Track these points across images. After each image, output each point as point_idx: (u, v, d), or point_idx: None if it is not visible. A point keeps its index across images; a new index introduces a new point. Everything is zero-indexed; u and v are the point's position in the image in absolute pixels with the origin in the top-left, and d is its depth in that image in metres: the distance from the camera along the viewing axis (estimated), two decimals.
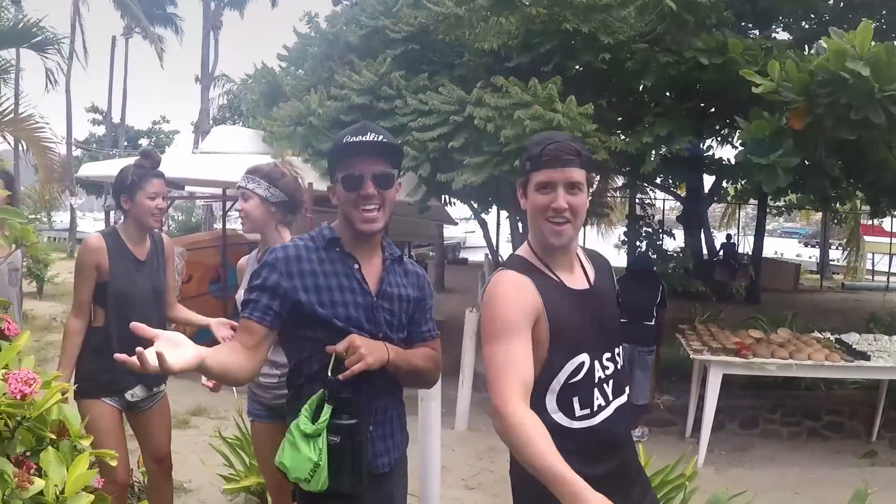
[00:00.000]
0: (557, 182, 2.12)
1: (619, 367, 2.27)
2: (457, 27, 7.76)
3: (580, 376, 2.13)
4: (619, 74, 7.49)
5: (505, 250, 11.05)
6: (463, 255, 28.07)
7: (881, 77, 4.90)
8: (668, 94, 8.27)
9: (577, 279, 2.25)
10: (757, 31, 9.55)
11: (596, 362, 2.17)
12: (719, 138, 13.82)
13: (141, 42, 33.75)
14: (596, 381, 2.16)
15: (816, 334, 7.57)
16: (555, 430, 1.99)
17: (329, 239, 2.36)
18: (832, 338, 7.38)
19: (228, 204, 10.84)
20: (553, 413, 2.11)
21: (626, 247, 17.35)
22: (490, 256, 12.85)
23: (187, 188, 10.94)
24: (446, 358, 5.25)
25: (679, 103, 8.00)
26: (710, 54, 6.67)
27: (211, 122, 28.22)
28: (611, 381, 2.21)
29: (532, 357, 2.05)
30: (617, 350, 2.28)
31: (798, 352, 6.60)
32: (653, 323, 7.17)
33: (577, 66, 7.64)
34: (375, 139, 2.29)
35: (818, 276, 23.03)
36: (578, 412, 2.13)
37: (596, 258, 2.43)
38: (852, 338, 7.43)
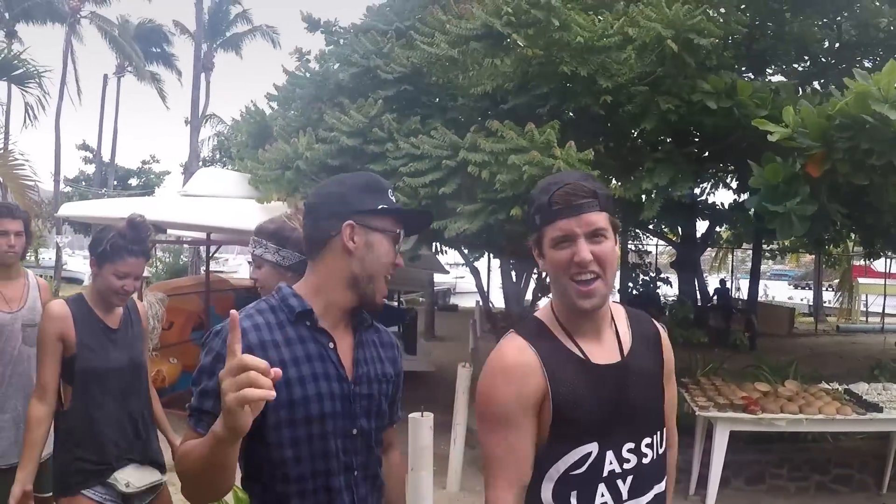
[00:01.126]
0: (576, 233, 1.76)
1: (645, 461, 1.87)
2: (450, 69, 7.57)
3: (583, 469, 1.78)
4: (617, 118, 7.29)
5: (496, 297, 10.78)
6: (453, 301, 27.60)
7: None
8: (665, 138, 8.08)
9: (605, 350, 1.88)
10: (751, 75, 9.43)
11: (609, 453, 1.81)
12: (713, 182, 13.71)
13: (134, 80, 33.87)
14: (604, 475, 1.80)
15: (824, 385, 7.30)
16: None
17: (299, 312, 1.87)
18: (840, 388, 7.11)
19: (213, 248, 10.57)
20: None
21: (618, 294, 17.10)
22: (482, 303, 12.58)
23: (171, 232, 10.69)
24: (439, 412, 4.99)
25: (677, 148, 7.80)
26: (717, 97, 6.46)
27: (200, 163, 28.05)
28: (629, 478, 1.83)
29: (532, 448, 1.77)
30: (647, 440, 1.88)
31: (808, 405, 6.32)
32: None
33: (573, 109, 7.45)
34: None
35: (811, 318, 22.83)
36: None
37: (640, 322, 2.02)
38: (861, 388, 7.17)
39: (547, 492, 1.78)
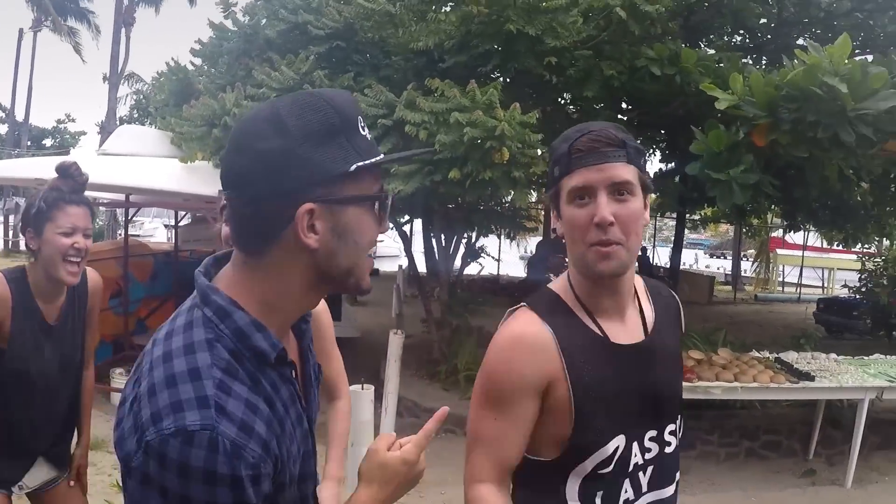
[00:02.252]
0: (597, 185, 1.48)
1: (668, 450, 1.66)
2: (385, 25, 7.27)
3: (611, 465, 1.55)
4: (559, 82, 7.12)
5: (419, 262, 10.52)
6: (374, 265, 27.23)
7: (855, 95, 4.63)
8: (603, 105, 7.97)
9: (628, 328, 1.64)
10: (687, 45, 9.41)
11: (634, 444, 1.58)
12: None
13: (49, 37, 32.31)
14: (630, 468, 1.58)
15: (755, 353, 7.36)
16: None
17: (277, 355, 1.20)
18: (771, 357, 7.18)
19: (131, 211, 10.08)
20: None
21: (531, 261, 16.95)
22: (406, 268, 12.36)
23: (88, 193, 10.14)
24: (367, 379, 4.76)
25: (617, 114, 7.71)
26: (661, 64, 6.36)
27: (118, 122, 27.01)
28: (649, 469, 1.62)
29: (524, 435, 1.55)
30: (671, 427, 1.66)
31: (742, 374, 6.34)
32: None
33: (514, 71, 7.26)
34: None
35: (730, 287, 23.38)
36: None
37: (660, 294, 1.79)
38: (790, 356, 7.26)
39: (572, 491, 1.56)
